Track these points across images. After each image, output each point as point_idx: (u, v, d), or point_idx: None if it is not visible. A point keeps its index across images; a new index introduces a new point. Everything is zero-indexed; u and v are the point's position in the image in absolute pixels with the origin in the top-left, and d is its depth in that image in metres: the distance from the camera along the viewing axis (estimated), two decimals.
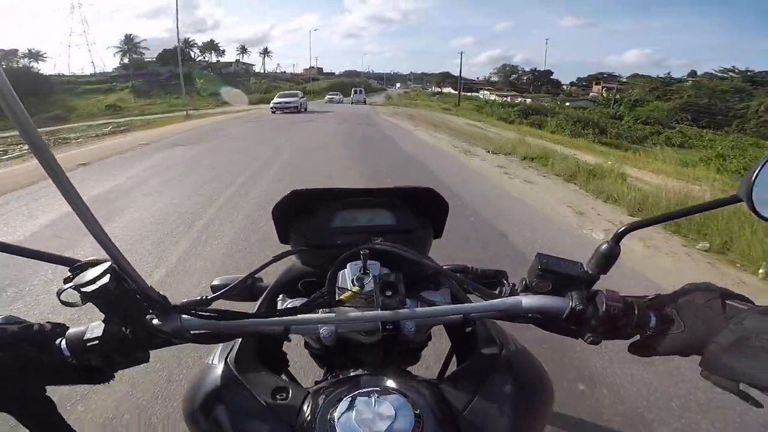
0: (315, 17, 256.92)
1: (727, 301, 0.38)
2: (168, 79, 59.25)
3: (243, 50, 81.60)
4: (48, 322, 0.42)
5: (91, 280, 0.38)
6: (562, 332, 0.46)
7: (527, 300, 0.45)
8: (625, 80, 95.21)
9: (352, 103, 31.76)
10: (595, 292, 0.44)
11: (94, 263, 0.41)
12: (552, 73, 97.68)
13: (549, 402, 0.50)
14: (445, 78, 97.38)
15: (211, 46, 69.37)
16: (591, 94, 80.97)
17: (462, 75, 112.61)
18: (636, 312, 0.41)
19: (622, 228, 0.43)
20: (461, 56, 51.55)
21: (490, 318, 0.50)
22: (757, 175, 0.38)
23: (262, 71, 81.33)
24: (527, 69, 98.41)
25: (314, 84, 62.74)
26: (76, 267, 0.41)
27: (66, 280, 0.40)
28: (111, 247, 0.36)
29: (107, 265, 0.39)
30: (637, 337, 0.43)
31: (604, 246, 0.43)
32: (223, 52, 70.23)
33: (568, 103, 55.85)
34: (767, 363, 0.33)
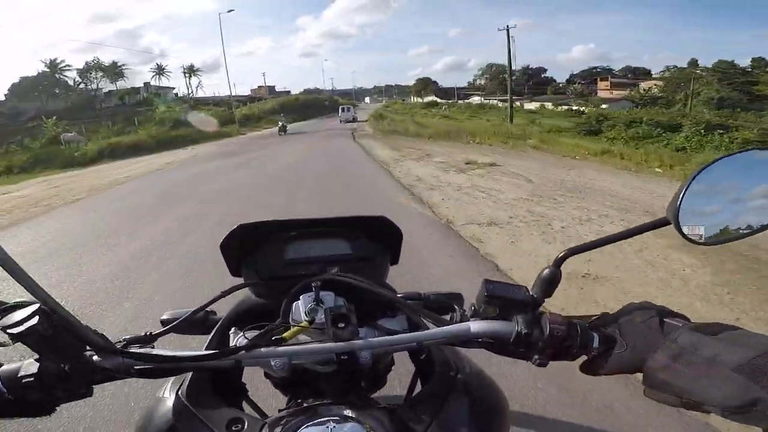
0: (267, 39, 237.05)
1: (664, 319, 0.39)
2: (33, 118, 38.62)
3: (160, 71, 61.58)
4: None
5: (19, 321, 0.38)
6: (511, 355, 0.46)
7: (475, 325, 0.46)
8: (616, 73, 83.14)
9: (341, 121, 29.03)
10: (539, 315, 0.45)
11: (22, 305, 0.40)
12: (545, 70, 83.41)
13: (505, 422, 0.52)
14: (426, 85, 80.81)
15: (109, 69, 48.81)
16: (599, 92, 67.26)
17: (435, 83, 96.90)
18: (579, 333, 0.42)
19: (562, 253, 0.45)
20: (508, 36, 25.62)
21: (442, 344, 0.51)
22: (683, 198, 0.40)
23: (189, 94, 61.66)
24: (515, 69, 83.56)
25: (254, 106, 42.63)
26: (2, 309, 0.41)
27: None
28: (37, 288, 0.36)
29: (35, 306, 0.39)
30: (585, 357, 0.44)
31: (546, 271, 0.45)
32: (121, 74, 49.70)
33: (605, 106, 40.67)
34: (702, 379, 0.34)
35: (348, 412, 0.43)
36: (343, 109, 31.65)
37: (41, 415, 0.43)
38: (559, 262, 0.45)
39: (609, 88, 67.40)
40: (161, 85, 58.04)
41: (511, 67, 27.92)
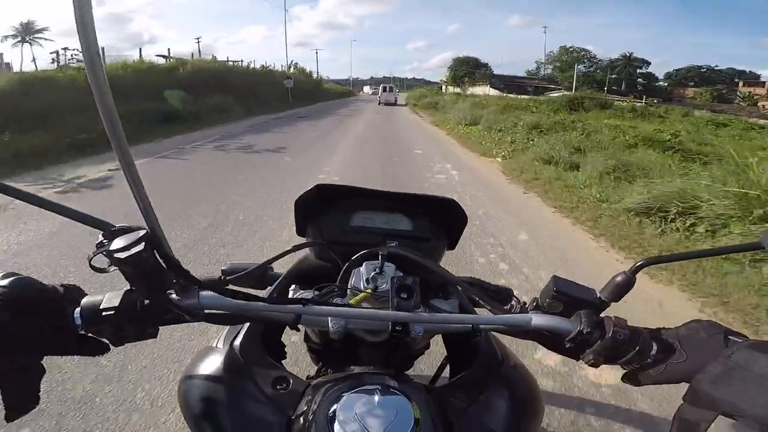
0: (261, 28, 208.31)
1: (729, 337, 0.39)
2: None
3: None
4: (62, 285, 0.40)
5: (126, 246, 0.37)
6: (563, 352, 0.46)
7: (537, 318, 0.46)
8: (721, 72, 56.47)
9: (379, 103, 25.62)
10: (603, 318, 0.44)
11: (128, 230, 0.39)
12: (648, 63, 54.80)
13: (539, 419, 0.53)
14: (473, 70, 51.36)
15: None
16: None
17: (486, 65, 66.54)
18: (640, 340, 0.42)
19: (640, 261, 0.44)
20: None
21: (498, 331, 0.51)
22: None
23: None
24: (600, 57, 55.09)
25: None
26: (111, 232, 0.39)
27: (99, 245, 0.38)
28: (151, 215, 0.36)
29: (143, 232, 0.38)
30: (635, 364, 0.44)
31: (620, 277, 0.44)
32: None
33: None
34: (749, 394, 0.34)
35: (392, 384, 0.43)
36: (384, 89, 27.04)
37: (98, 354, 0.42)
38: (635, 270, 0.44)
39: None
40: None
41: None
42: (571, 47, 54.57)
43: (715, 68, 58.51)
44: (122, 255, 0.37)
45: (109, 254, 0.37)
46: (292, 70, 32.20)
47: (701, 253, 0.44)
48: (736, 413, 0.35)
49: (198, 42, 34.60)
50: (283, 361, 0.61)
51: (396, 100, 26.49)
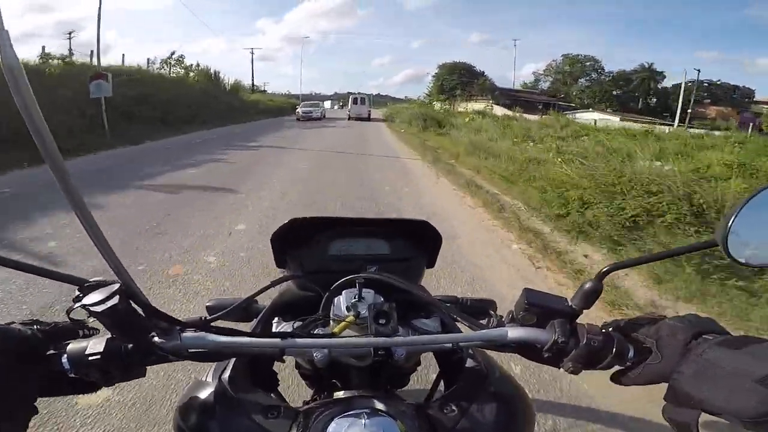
0: (222, 40, 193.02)
1: (703, 335, 0.39)
2: None
3: None
4: (39, 329, 0.42)
5: (101, 300, 0.39)
6: (544, 362, 0.47)
7: (513, 332, 0.47)
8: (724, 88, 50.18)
9: (349, 118, 23.18)
10: (576, 326, 0.45)
11: (103, 284, 0.41)
12: (664, 77, 46.70)
13: (531, 428, 0.53)
14: (468, 80, 41.13)
15: None
16: None
17: (483, 74, 56.12)
18: (615, 344, 0.43)
19: (606, 268, 0.45)
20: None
21: (477, 347, 0.53)
22: (733, 221, 0.40)
23: None
24: (611, 70, 46.75)
25: None
26: (86, 286, 0.41)
27: (75, 299, 0.41)
28: (120, 268, 0.38)
29: (116, 286, 0.40)
30: (617, 367, 0.45)
31: (588, 284, 0.45)
32: None
33: None
34: (725, 390, 0.35)
35: (380, 406, 0.44)
36: (355, 101, 24.11)
37: (88, 392, 0.44)
38: (601, 277, 0.45)
39: None
40: None
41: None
42: (578, 56, 45.77)
43: (718, 83, 51.85)
44: (98, 308, 0.38)
45: (86, 308, 0.39)
46: (172, 67, 19.81)
47: (660, 255, 0.46)
48: (715, 410, 0.35)
49: (69, 38, 20.93)
50: (280, 386, 0.62)
51: (369, 115, 22.82)
